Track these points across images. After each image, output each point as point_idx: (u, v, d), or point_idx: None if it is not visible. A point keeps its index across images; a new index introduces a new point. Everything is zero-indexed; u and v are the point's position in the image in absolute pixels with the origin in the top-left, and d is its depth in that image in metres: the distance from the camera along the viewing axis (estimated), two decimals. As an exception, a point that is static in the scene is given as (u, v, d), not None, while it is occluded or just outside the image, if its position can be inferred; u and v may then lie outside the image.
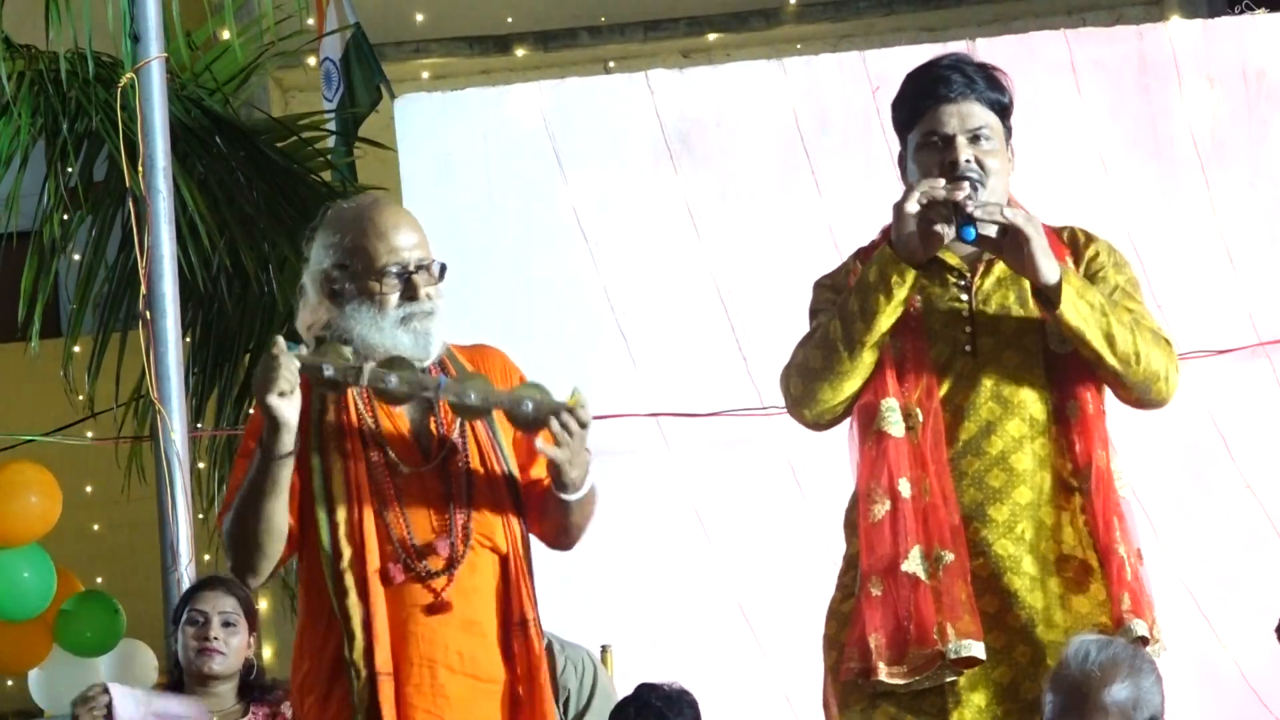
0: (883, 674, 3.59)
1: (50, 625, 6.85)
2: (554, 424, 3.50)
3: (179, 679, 4.96)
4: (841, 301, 3.73)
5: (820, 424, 3.82)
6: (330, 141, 8.35)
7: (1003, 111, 3.80)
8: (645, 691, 4.89)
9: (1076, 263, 3.79)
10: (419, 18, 11.47)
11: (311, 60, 9.37)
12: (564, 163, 6.00)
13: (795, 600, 5.36)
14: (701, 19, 11.64)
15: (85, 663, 6.87)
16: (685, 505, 5.90)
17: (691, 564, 5.87)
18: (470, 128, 6.08)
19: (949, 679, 3.60)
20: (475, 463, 3.63)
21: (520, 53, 11.59)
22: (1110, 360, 3.66)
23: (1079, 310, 3.63)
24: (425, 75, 11.30)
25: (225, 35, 7.52)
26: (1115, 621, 3.62)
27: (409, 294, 3.62)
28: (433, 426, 3.65)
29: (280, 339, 3.51)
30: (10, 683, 8.92)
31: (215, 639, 4.86)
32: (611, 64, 11.42)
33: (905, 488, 3.65)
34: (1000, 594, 3.65)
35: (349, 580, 3.57)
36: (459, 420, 3.62)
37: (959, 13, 11.54)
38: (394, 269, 3.61)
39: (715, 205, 5.99)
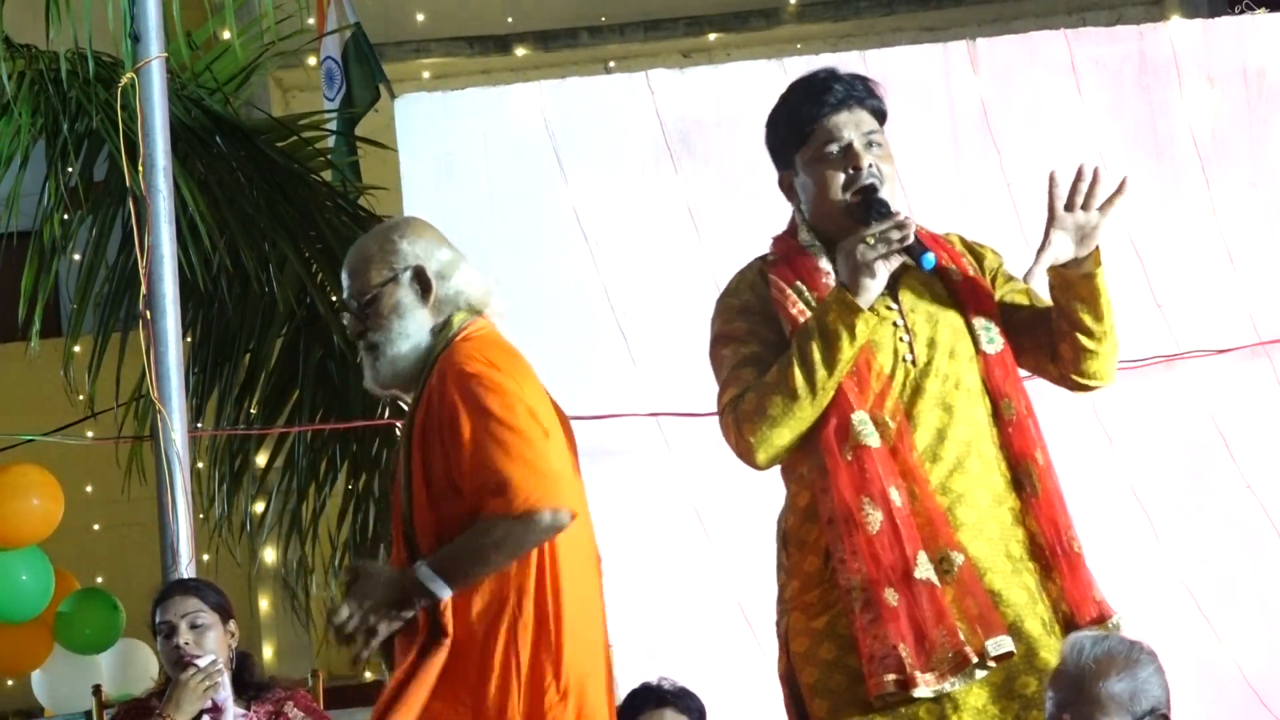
0: (920, 681, 3.58)
1: (50, 626, 6.85)
2: None
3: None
4: (800, 347, 3.68)
5: (770, 466, 3.79)
6: (331, 141, 8.36)
7: (883, 118, 3.79)
8: (654, 687, 4.88)
9: (980, 268, 3.84)
10: (419, 18, 11.50)
11: (312, 60, 9.38)
12: (564, 163, 6.00)
13: (795, 600, 5.34)
14: (701, 19, 11.66)
15: (87, 663, 6.88)
16: (685, 505, 5.89)
17: (691, 564, 5.87)
18: (470, 128, 6.07)
19: (980, 675, 3.59)
20: None
21: (520, 53, 11.60)
22: (1108, 325, 3.73)
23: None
24: (425, 75, 11.32)
25: (225, 35, 7.52)
26: (1093, 620, 3.64)
27: None
28: None
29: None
30: (10, 683, 8.92)
31: (186, 644, 4.85)
32: (611, 64, 11.44)
33: (896, 496, 3.64)
34: (986, 593, 3.63)
35: None
36: None
37: (959, 13, 11.57)
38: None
39: (715, 205, 5.99)
